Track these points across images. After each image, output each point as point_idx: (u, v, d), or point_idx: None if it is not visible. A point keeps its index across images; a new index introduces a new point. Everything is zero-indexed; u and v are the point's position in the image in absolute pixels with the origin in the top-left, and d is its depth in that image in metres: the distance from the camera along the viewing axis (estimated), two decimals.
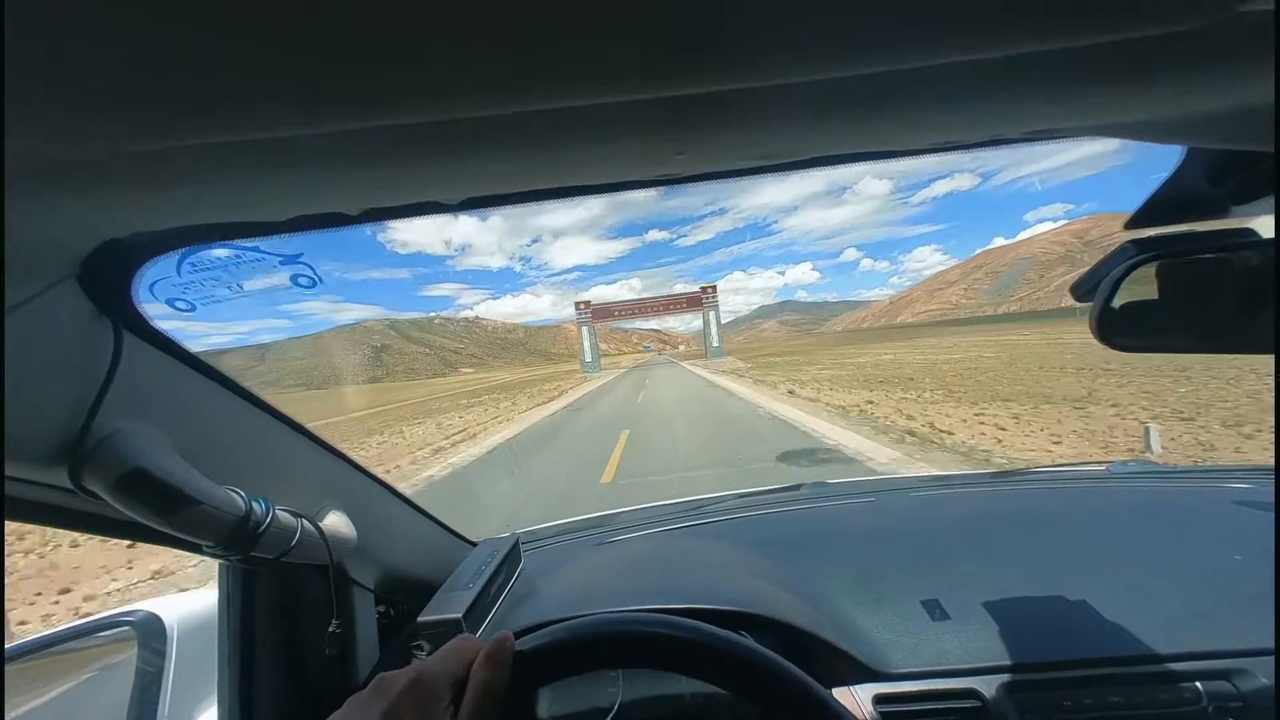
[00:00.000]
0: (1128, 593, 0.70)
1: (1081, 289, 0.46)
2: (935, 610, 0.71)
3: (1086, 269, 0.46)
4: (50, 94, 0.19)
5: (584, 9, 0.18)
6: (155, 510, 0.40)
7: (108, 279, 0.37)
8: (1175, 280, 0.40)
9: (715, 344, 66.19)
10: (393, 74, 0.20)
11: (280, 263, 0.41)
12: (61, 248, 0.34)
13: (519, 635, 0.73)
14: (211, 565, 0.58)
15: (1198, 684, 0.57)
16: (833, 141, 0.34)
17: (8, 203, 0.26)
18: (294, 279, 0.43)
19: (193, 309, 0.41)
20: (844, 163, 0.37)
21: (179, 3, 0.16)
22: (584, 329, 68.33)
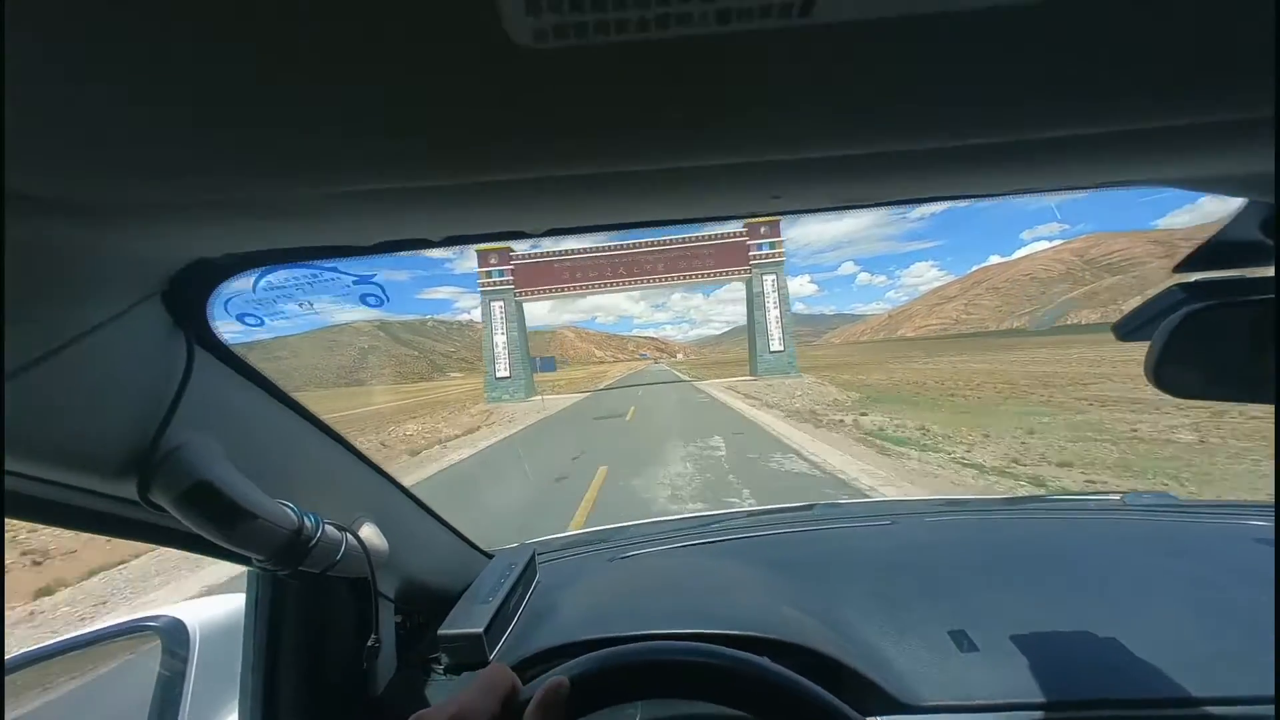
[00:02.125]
0: (1155, 630, 0.70)
1: (1123, 329, 0.47)
2: (961, 641, 0.71)
3: (1100, 294, 0.47)
4: (156, 150, 0.21)
5: (675, 92, 0.20)
6: (215, 524, 0.41)
7: (188, 296, 0.39)
8: (1226, 329, 0.41)
9: (775, 345, 29.28)
10: (487, 140, 0.22)
11: (354, 282, 0.42)
12: (153, 267, 0.35)
13: (544, 656, 0.73)
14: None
15: None
16: (902, 190, 0.36)
17: (97, 226, 0.27)
18: (363, 298, 0.44)
19: (261, 324, 0.42)
20: (916, 204, 0.39)
21: (278, 64, 0.17)
22: (494, 307, 30.47)
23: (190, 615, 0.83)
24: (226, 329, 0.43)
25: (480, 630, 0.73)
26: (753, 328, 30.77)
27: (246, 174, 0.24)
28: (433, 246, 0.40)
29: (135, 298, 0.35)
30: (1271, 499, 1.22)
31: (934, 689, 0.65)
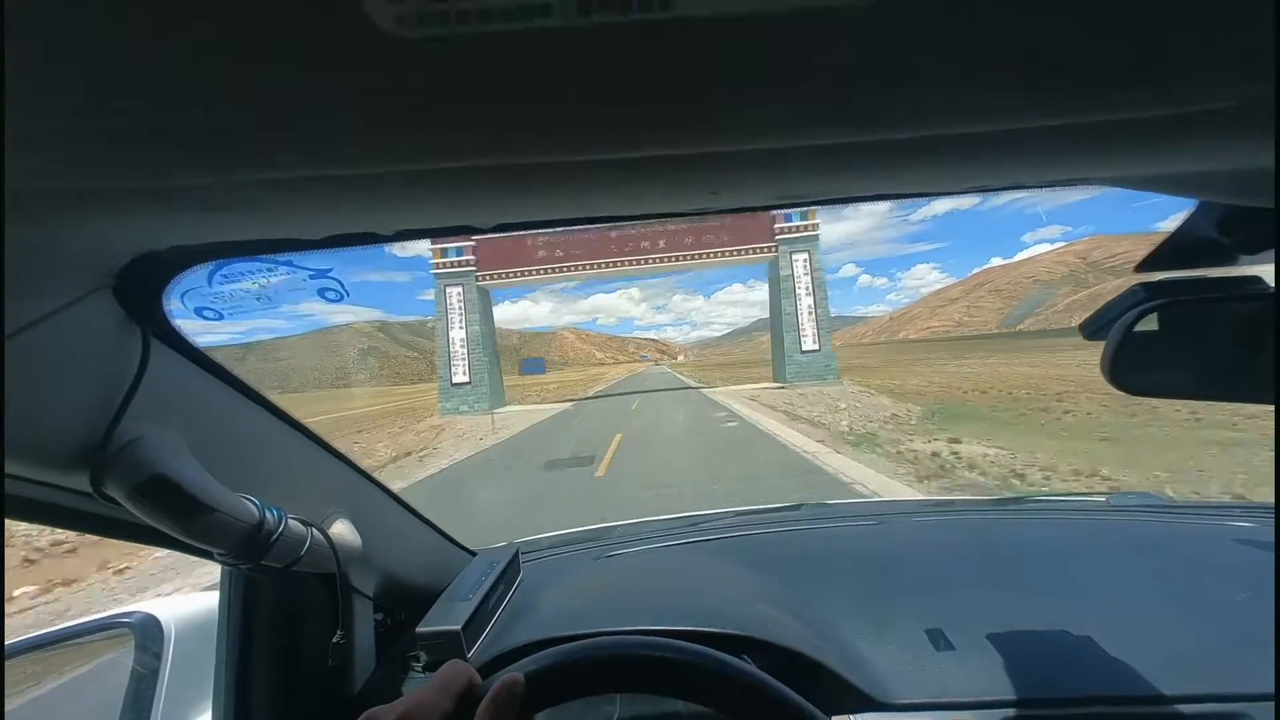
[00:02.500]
0: (1133, 629, 0.70)
1: (1090, 328, 0.47)
2: (939, 640, 0.71)
3: (1096, 308, 0.48)
4: (95, 136, 0.21)
5: (617, 78, 0.20)
6: (172, 517, 0.41)
7: (141, 289, 0.39)
8: (1185, 326, 0.42)
9: (809, 343, 21.91)
10: (436, 128, 0.22)
11: (310, 276, 0.43)
12: (100, 259, 0.35)
13: (519, 652, 0.74)
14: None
15: None
16: (854, 183, 0.37)
17: (51, 215, 0.28)
18: (322, 292, 0.45)
19: (220, 317, 0.43)
20: (864, 202, 0.40)
21: (220, 58, 0.18)
22: (451, 295, 22.96)
23: (165, 612, 0.84)
24: (192, 327, 0.44)
25: (458, 628, 0.72)
26: (778, 321, 22.60)
27: (182, 161, 0.24)
28: (384, 241, 0.41)
29: (84, 289, 0.35)
30: (1256, 501, 1.23)
31: (907, 687, 0.66)
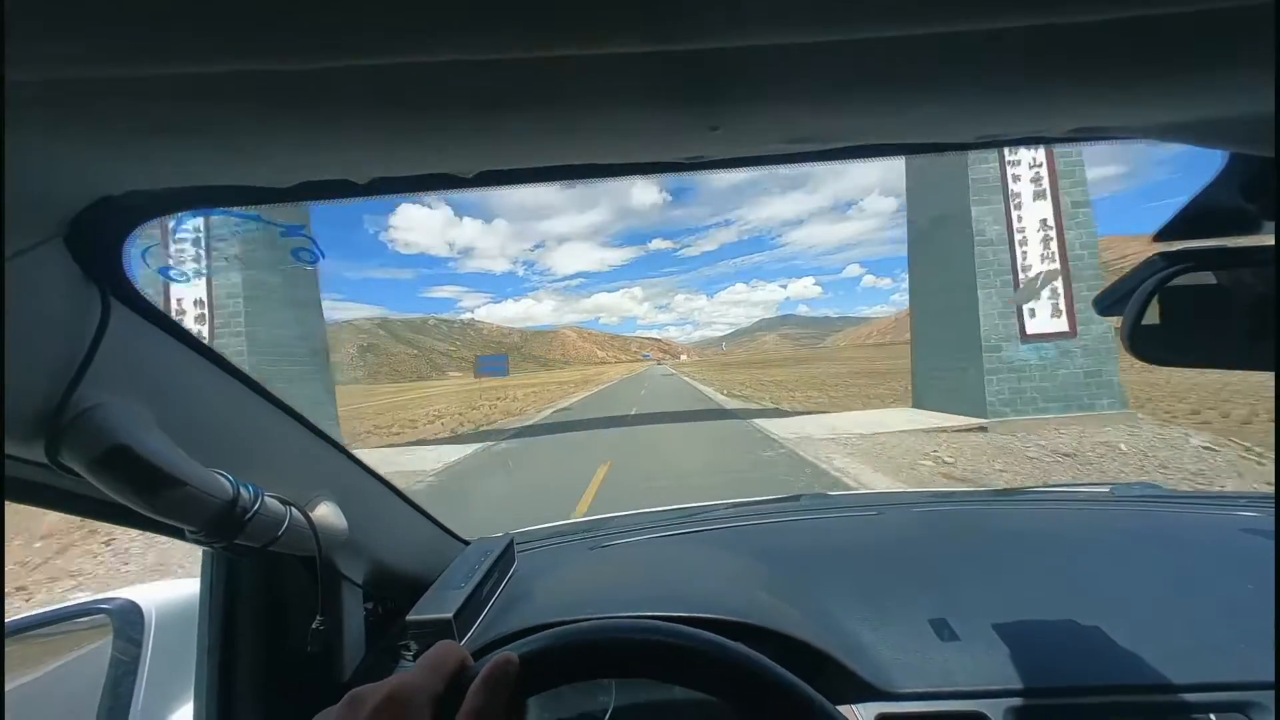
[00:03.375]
0: (1139, 619, 0.70)
1: (1104, 303, 0.46)
2: (942, 629, 0.70)
3: (1107, 284, 0.46)
4: (32, 11, 0.19)
5: None
6: (136, 490, 0.39)
7: (98, 241, 0.37)
8: (1206, 296, 0.41)
9: (1044, 317, 7.22)
10: (402, 5, 0.20)
11: (282, 234, 0.40)
12: (51, 202, 0.33)
13: (512, 638, 0.72)
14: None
15: (1211, 716, 0.57)
16: (869, 124, 0.34)
17: None
18: (295, 253, 0.42)
19: (187, 280, 0.40)
20: (878, 154, 0.37)
21: None
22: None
23: (145, 598, 0.82)
24: (153, 289, 0.41)
25: (450, 615, 0.71)
26: (935, 272, 10.48)
27: (139, 86, 0.22)
28: (358, 193, 0.38)
29: (36, 237, 0.33)
30: (1258, 490, 1.22)
31: (910, 676, 0.64)
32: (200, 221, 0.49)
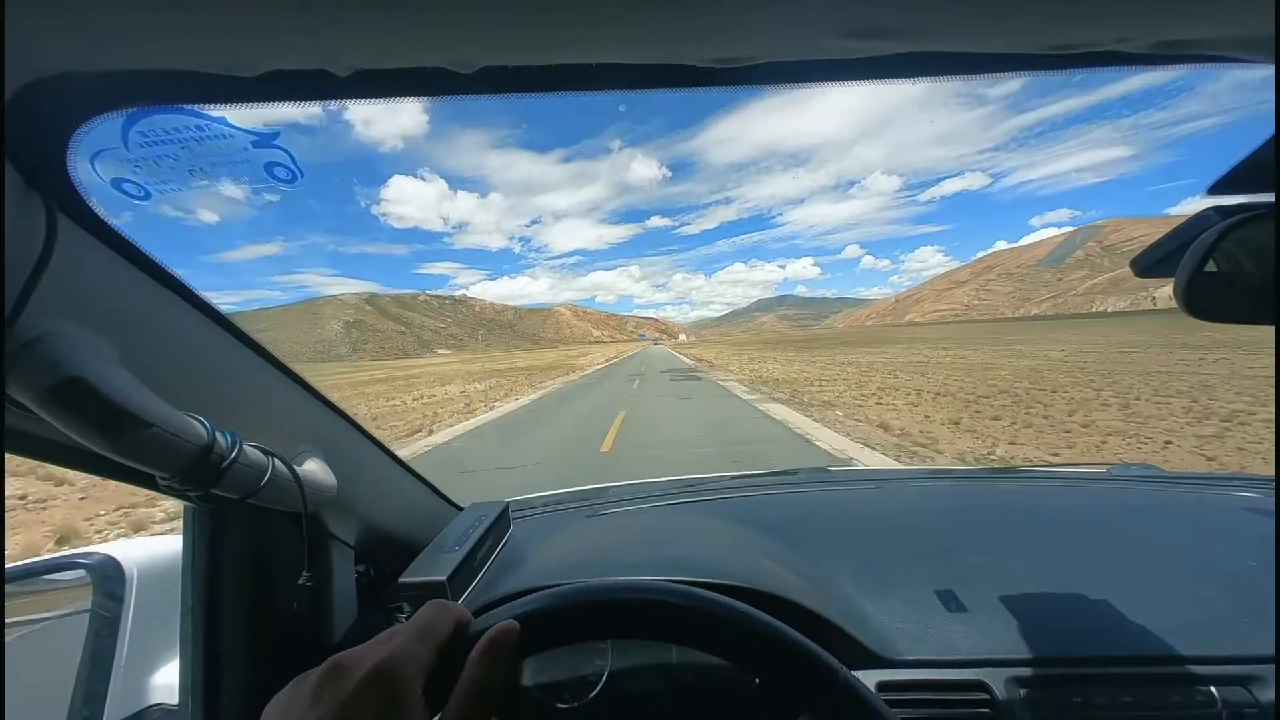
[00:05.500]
0: (1141, 593, 0.70)
1: (1145, 263, 0.45)
2: (944, 600, 0.71)
3: (1145, 246, 0.44)
4: None
5: None
6: (96, 428, 0.36)
7: (37, 141, 0.32)
8: (1262, 249, 0.39)
9: None
10: None
11: (253, 144, 0.36)
12: None
13: (508, 599, 0.71)
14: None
15: (1213, 689, 0.57)
16: (932, 20, 0.30)
17: None
18: (269, 168, 0.38)
19: (146, 196, 0.36)
20: (937, 73, 0.34)
21: None
22: None
23: (125, 554, 0.81)
24: (109, 209, 0.37)
25: (443, 578, 0.70)
26: None
27: None
28: (339, 92, 0.33)
29: None
30: (1258, 473, 1.24)
31: (911, 644, 0.65)
32: (157, 122, 0.43)
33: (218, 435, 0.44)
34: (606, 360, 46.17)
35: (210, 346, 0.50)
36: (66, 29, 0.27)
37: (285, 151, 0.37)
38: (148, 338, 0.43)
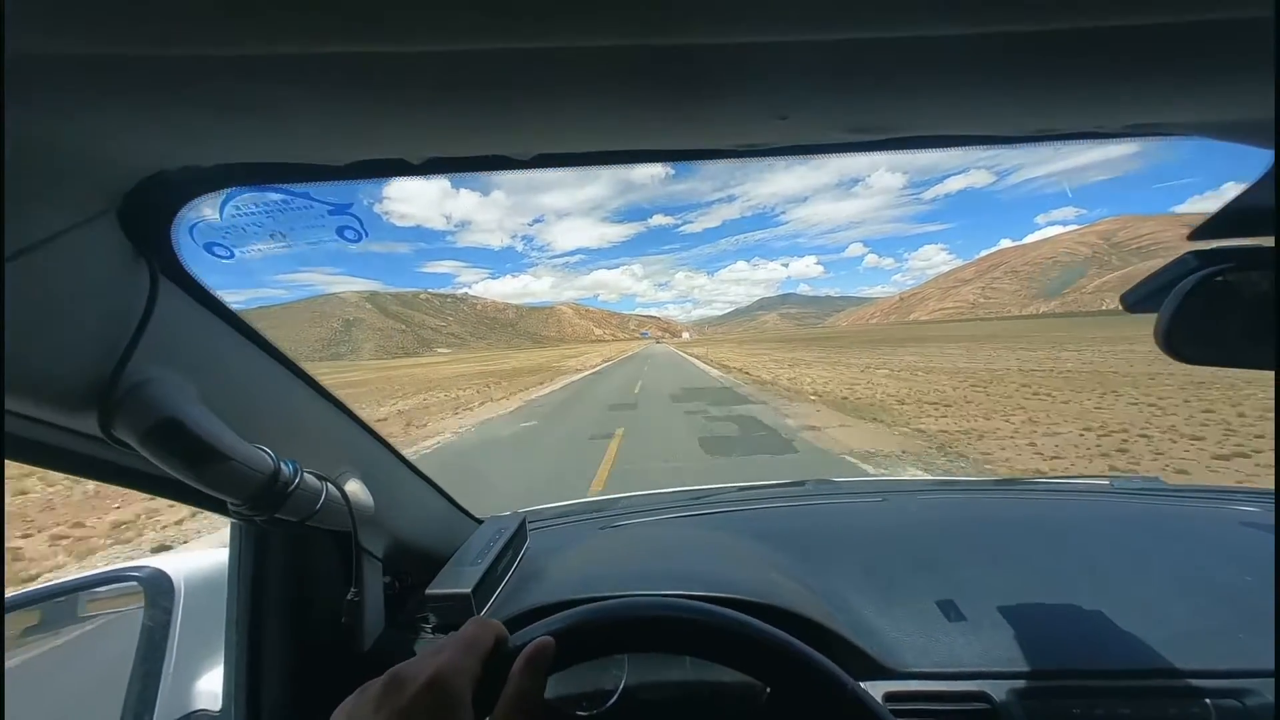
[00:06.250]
0: (1139, 606, 0.72)
1: (1132, 299, 0.47)
2: (948, 612, 0.74)
3: (1138, 279, 0.47)
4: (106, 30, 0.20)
5: None
6: (185, 463, 0.41)
7: (149, 217, 0.37)
8: (1241, 295, 0.42)
9: None
10: (460, 43, 0.21)
11: (329, 212, 0.41)
12: (106, 177, 0.33)
13: (533, 614, 0.75)
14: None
15: (1207, 700, 0.60)
16: (929, 117, 0.34)
17: (54, 123, 0.26)
18: (340, 230, 0.43)
19: (231, 256, 0.41)
20: (933, 146, 0.38)
21: None
22: None
23: (174, 567, 0.86)
24: (203, 269, 0.42)
25: (468, 591, 0.74)
26: None
27: (205, 65, 0.23)
28: (413, 172, 0.39)
29: (92, 210, 0.34)
30: (1259, 486, 1.26)
31: (916, 655, 0.67)
32: (250, 198, 0.49)
33: (282, 465, 0.49)
34: (603, 360, 41.45)
35: (270, 379, 0.54)
36: (189, 134, 0.31)
37: (356, 217, 0.42)
38: (222, 376, 0.48)
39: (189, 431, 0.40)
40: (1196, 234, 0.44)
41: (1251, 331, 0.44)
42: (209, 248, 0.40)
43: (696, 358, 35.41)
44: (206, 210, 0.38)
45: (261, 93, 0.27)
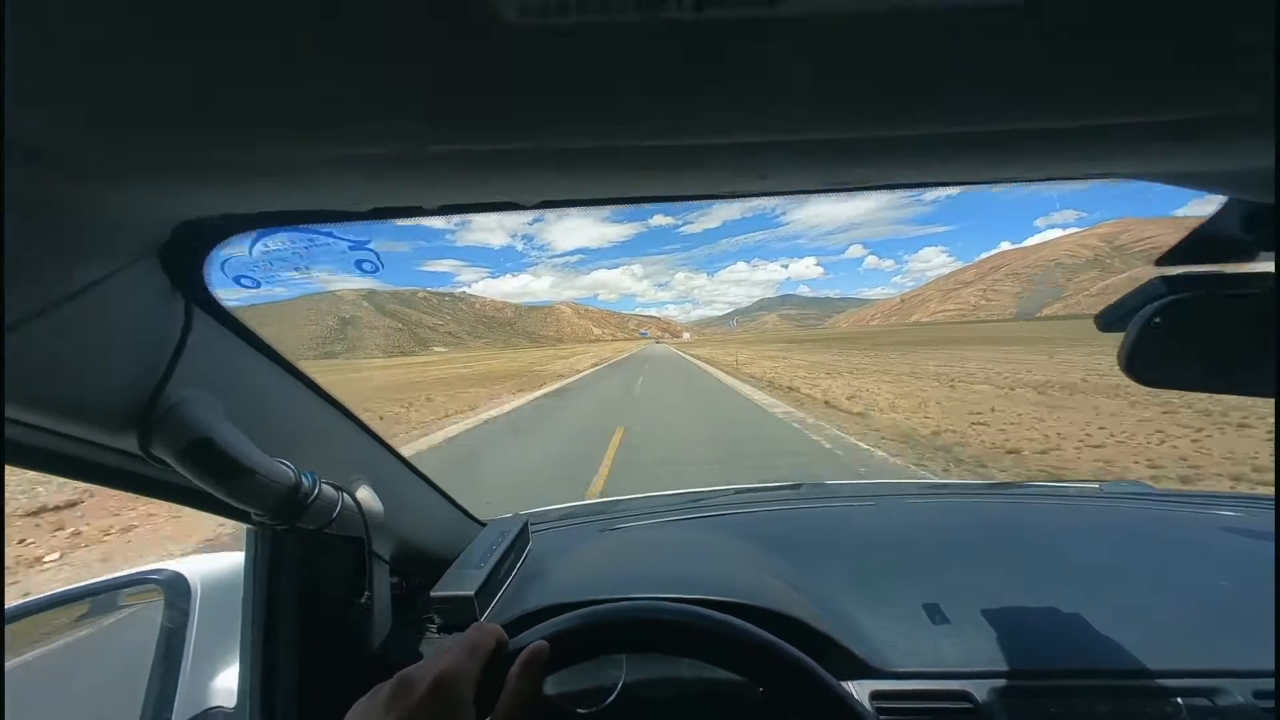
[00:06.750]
0: (1119, 608, 0.75)
1: (1106, 319, 0.49)
2: (934, 614, 0.77)
3: (1114, 299, 0.49)
4: (145, 98, 0.23)
5: (671, 71, 0.22)
6: (216, 478, 0.45)
7: (185, 257, 0.41)
8: (1203, 320, 0.44)
9: None
10: (484, 105, 0.24)
11: (349, 247, 0.45)
12: (147, 227, 0.37)
13: (534, 616, 0.79)
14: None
15: (1179, 700, 0.63)
16: (900, 169, 0.38)
17: (97, 182, 0.29)
18: (359, 264, 0.47)
19: (256, 285, 0.45)
20: (905, 188, 0.42)
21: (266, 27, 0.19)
22: None
23: (190, 570, 0.90)
24: (225, 293, 0.46)
25: (471, 593, 0.77)
26: None
27: (246, 135, 0.26)
28: (426, 214, 0.43)
29: (133, 256, 0.38)
30: (1243, 491, 1.30)
31: (903, 656, 0.70)
32: (277, 237, 0.53)
33: (302, 477, 0.53)
34: (592, 365, 33.69)
35: (289, 395, 0.59)
36: (228, 192, 0.35)
37: (373, 252, 0.46)
38: (249, 395, 0.52)
39: (219, 448, 0.44)
40: (1163, 260, 0.48)
41: (1209, 356, 0.48)
42: (238, 279, 0.44)
43: (703, 361, 29.83)
44: (238, 250, 0.42)
45: (294, 164, 0.30)
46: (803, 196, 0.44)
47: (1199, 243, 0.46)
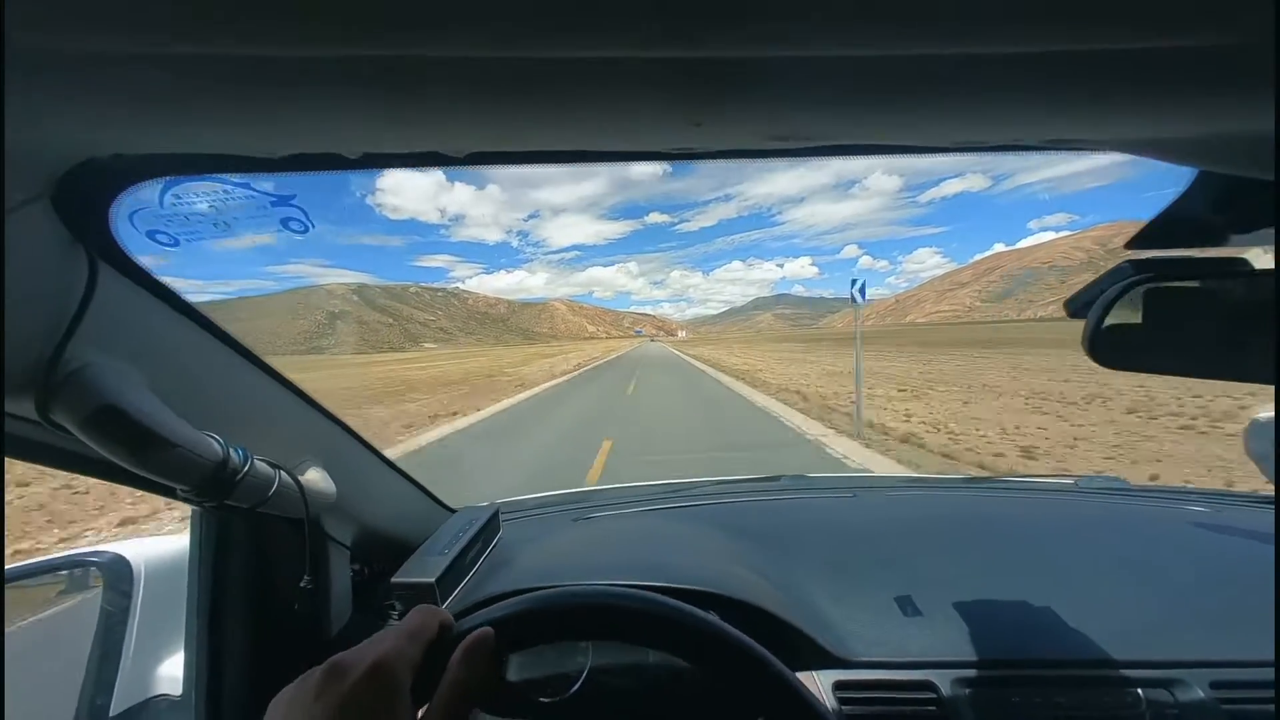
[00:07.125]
0: (1086, 601, 0.77)
1: (1075, 304, 0.49)
2: (906, 605, 0.77)
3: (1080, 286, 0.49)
4: None
5: None
6: (127, 449, 0.42)
7: (84, 203, 0.38)
8: (1168, 304, 0.44)
9: None
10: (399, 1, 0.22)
11: (272, 204, 0.42)
12: (36, 162, 0.34)
13: (491, 601, 0.78)
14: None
15: (1139, 690, 0.64)
16: (850, 128, 0.36)
17: None
18: (285, 221, 0.45)
19: (175, 244, 0.43)
20: (858, 154, 0.40)
21: None
22: None
23: (134, 553, 0.86)
24: (155, 259, 0.43)
25: (432, 580, 0.76)
26: None
27: (124, 58, 0.24)
28: (350, 166, 0.40)
29: (21, 195, 0.35)
30: (1213, 488, 1.33)
31: (867, 646, 0.70)
32: (190, 187, 0.50)
33: (231, 451, 0.50)
34: (576, 367, 28.03)
35: (222, 366, 0.56)
36: (120, 123, 0.32)
37: (300, 209, 0.44)
38: (170, 363, 0.49)
39: (129, 417, 0.41)
40: (1132, 243, 0.47)
41: (1173, 339, 0.47)
42: (152, 235, 0.42)
43: (703, 362, 26.40)
44: (145, 198, 0.40)
45: (189, 88, 0.27)
46: (748, 160, 0.42)
47: (1167, 225, 0.45)
